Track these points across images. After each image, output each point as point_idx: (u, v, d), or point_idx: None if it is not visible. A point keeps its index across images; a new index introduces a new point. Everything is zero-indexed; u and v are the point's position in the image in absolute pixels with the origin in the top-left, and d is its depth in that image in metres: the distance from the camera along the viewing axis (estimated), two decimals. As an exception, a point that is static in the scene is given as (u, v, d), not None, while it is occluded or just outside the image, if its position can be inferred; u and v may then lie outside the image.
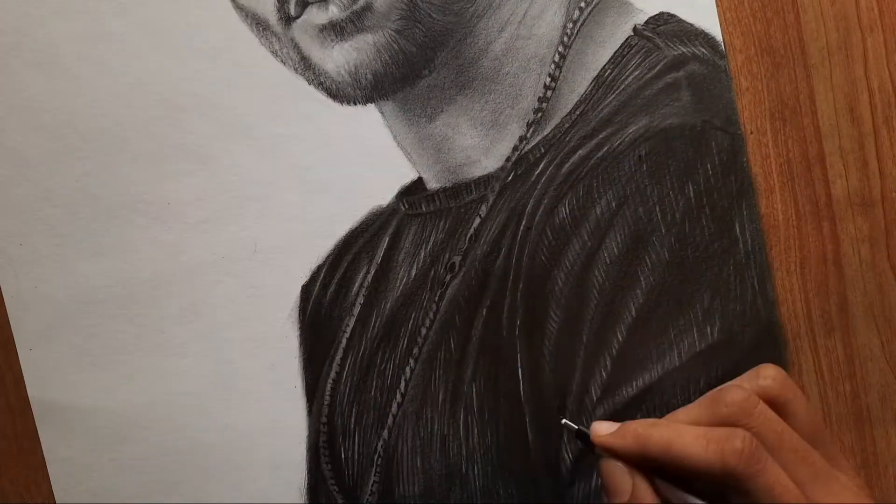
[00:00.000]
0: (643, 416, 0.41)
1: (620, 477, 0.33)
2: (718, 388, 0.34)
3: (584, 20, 0.42)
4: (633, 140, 0.41)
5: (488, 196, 0.42)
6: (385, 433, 0.43)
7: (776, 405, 0.34)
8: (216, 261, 0.42)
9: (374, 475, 0.43)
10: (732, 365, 0.41)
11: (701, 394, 0.41)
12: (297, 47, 0.42)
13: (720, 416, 0.33)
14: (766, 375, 0.34)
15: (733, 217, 0.41)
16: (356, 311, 0.43)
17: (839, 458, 0.34)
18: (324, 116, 0.42)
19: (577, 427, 0.35)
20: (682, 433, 0.32)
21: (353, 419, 0.43)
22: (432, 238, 0.43)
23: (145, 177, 0.42)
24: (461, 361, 0.42)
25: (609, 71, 0.42)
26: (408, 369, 0.43)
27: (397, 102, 0.42)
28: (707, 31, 0.42)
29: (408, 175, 0.43)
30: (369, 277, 0.43)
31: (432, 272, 0.43)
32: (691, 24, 0.42)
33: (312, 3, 0.41)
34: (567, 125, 0.42)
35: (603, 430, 0.34)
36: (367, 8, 0.41)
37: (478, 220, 0.42)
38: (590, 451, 0.34)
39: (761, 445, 0.32)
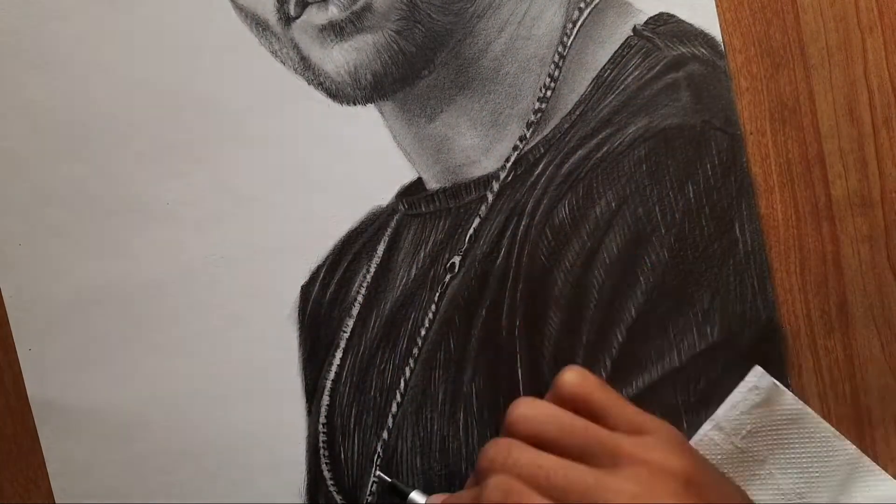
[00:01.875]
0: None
1: None
2: None
3: (584, 20, 0.42)
4: (632, 140, 0.41)
5: (488, 196, 0.42)
6: (385, 433, 0.43)
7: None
8: (216, 261, 0.42)
9: (374, 475, 0.43)
10: (732, 365, 0.41)
11: (700, 394, 0.41)
12: (296, 47, 0.42)
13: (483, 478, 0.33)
14: (564, 381, 0.35)
15: (733, 217, 0.41)
16: (356, 311, 0.43)
17: (637, 422, 0.34)
18: (323, 116, 0.42)
19: (389, 481, 0.40)
20: None
21: (352, 419, 0.43)
22: (432, 238, 0.43)
23: (145, 177, 0.42)
24: (461, 362, 0.42)
25: (609, 71, 0.42)
26: (407, 369, 0.43)
27: (397, 102, 0.42)
28: (707, 31, 0.42)
29: (407, 175, 0.43)
30: (369, 277, 0.43)
31: (432, 272, 0.43)
32: (691, 25, 0.42)
33: (312, 4, 0.41)
34: (567, 125, 0.42)
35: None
36: (367, 8, 0.41)
37: (477, 221, 0.42)
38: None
39: (518, 484, 0.32)
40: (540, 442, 0.33)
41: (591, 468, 0.32)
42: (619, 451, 0.33)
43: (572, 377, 0.35)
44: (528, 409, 0.34)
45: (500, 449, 0.33)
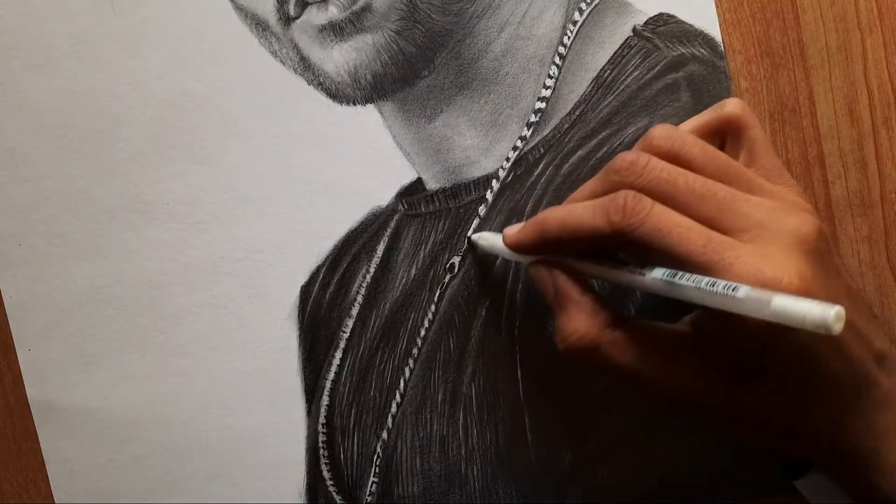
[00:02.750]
0: (643, 418, 0.41)
1: (542, 275, 0.36)
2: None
3: (584, 21, 0.42)
4: (632, 141, 0.41)
5: (487, 196, 0.42)
6: (384, 434, 0.43)
7: (735, 135, 0.36)
8: (215, 261, 0.42)
9: (374, 476, 0.43)
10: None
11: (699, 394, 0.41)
12: (296, 48, 0.42)
13: (612, 185, 0.33)
14: (725, 106, 0.37)
15: (733, 218, 0.41)
16: (355, 311, 0.43)
17: (777, 177, 0.35)
18: (323, 116, 0.42)
19: (470, 237, 0.41)
20: (574, 209, 0.33)
21: (352, 420, 0.43)
22: (431, 238, 0.43)
23: (144, 177, 0.42)
24: (460, 362, 0.42)
25: (608, 71, 0.42)
26: (407, 370, 0.43)
27: (397, 103, 0.42)
28: (706, 31, 0.42)
29: (407, 175, 0.43)
30: (368, 278, 0.43)
31: (432, 272, 0.43)
32: (690, 25, 0.42)
33: (312, 4, 0.41)
34: (566, 126, 0.42)
35: (511, 231, 0.36)
36: (367, 8, 0.41)
37: (477, 221, 0.42)
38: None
39: (645, 197, 0.32)
40: (678, 161, 0.34)
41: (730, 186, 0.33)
42: (756, 182, 0.34)
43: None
44: (672, 130, 0.35)
45: (640, 157, 0.33)
